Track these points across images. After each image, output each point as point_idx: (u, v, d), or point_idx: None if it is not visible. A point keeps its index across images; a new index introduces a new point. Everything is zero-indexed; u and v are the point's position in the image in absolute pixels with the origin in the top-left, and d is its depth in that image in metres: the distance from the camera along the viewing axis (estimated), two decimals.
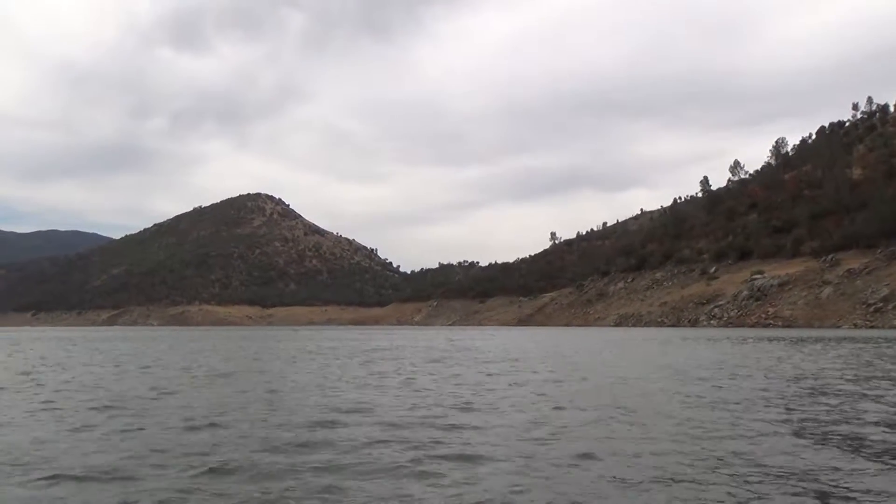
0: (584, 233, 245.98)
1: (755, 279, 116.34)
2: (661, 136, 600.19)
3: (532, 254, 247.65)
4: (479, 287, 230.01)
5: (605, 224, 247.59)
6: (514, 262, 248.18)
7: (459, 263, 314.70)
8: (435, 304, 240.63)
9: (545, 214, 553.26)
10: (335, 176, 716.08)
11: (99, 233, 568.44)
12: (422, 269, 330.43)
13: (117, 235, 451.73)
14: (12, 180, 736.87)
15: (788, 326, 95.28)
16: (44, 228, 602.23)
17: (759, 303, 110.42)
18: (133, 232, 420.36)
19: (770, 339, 49.71)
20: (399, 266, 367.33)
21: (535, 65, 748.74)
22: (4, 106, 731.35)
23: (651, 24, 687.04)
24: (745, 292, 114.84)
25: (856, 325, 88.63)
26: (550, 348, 39.02)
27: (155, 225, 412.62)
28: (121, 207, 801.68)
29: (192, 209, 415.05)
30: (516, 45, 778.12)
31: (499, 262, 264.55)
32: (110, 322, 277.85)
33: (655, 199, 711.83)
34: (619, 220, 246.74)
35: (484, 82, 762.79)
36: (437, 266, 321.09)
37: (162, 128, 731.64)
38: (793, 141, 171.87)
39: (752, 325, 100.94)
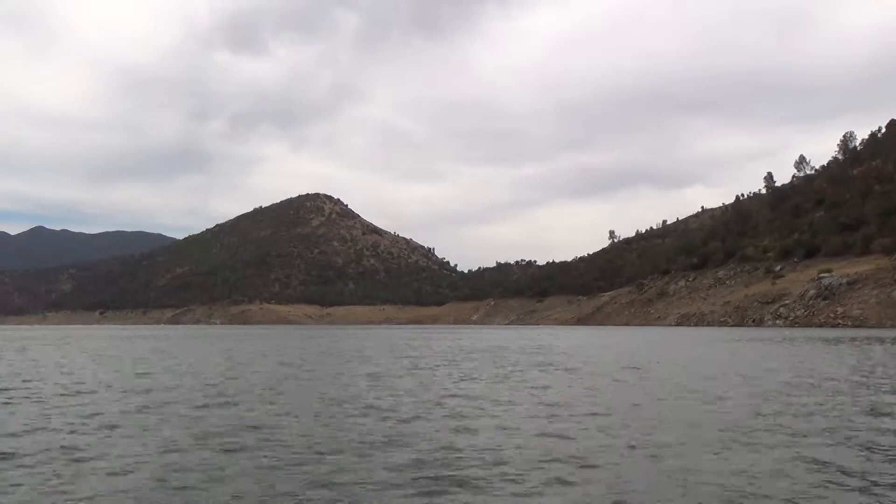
0: (643, 231, 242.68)
1: (823, 278, 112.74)
2: (721, 132, 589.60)
3: (590, 252, 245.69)
4: (537, 286, 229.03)
5: (664, 222, 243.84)
6: (571, 261, 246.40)
7: (517, 262, 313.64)
8: (492, 303, 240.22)
9: (603, 212, 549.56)
10: (392, 175, 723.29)
11: (163, 233, 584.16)
12: (479, 268, 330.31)
13: (181, 236, 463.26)
14: (81, 183, 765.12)
15: (859, 326, 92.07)
16: (111, 230, 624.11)
17: (826, 302, 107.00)
18: (196, 232, 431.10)
19: None
20: (456, 265, 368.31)
21: (590, 61, 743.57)
22: (72, 110, 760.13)
23: (709, 17, 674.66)
24: (813, 291, 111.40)
25: None
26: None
27: (217, 225, 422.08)
28: (184, 208, 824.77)
29: (252, 209, 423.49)
30: (571, 42, 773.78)
31: (556, 260, 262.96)
32: (174, 321, 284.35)
33: (714, 196, 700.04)
34: (680, 218, 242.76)
35: (539, 80, 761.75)
36: (494, 265, 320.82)
37: (221, 130, 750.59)
38: (861, 135, 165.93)
39: (820, 325, 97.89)
